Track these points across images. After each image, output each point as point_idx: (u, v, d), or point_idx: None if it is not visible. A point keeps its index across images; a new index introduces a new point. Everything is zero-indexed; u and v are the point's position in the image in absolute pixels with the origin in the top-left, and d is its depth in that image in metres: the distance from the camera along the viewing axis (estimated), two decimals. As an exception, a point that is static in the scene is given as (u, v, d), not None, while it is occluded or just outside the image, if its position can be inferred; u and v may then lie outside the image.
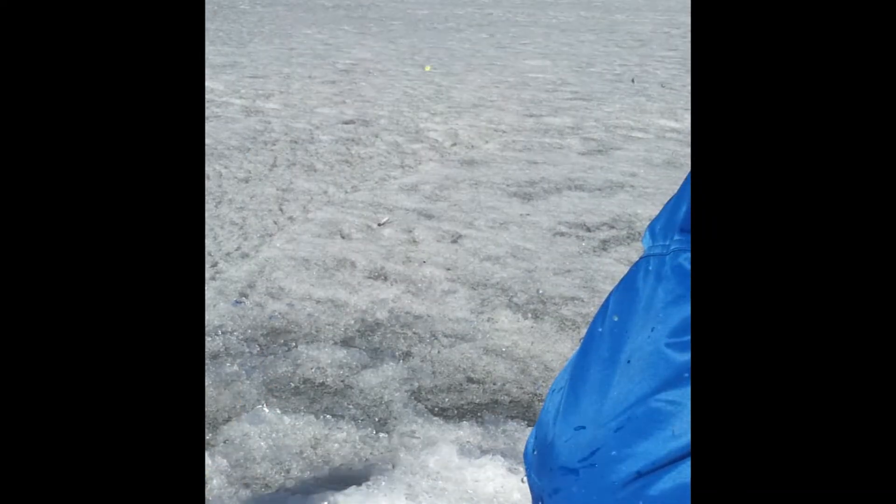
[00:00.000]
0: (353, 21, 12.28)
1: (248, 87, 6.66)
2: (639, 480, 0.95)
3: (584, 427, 1.05)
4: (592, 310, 2.62)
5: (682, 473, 0.92)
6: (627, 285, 1.11)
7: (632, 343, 1.04)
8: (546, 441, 1.13)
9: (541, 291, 2.79)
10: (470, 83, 7.18)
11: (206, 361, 2.23)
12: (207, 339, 2.36)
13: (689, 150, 4.84)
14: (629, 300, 1.09)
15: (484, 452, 1.84)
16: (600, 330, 1.12)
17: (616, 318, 1.10)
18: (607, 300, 1.16)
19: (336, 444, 1.90)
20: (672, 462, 0.93)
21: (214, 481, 1.73)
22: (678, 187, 1.06)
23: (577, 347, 1.21)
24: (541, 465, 1.15)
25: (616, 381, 1.03)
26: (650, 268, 1.07)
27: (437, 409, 2.07)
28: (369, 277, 2.89)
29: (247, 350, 2.32)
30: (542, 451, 1.14)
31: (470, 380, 2.22)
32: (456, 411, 2.07)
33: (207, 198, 3.77)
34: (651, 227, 1.13)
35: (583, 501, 1.02)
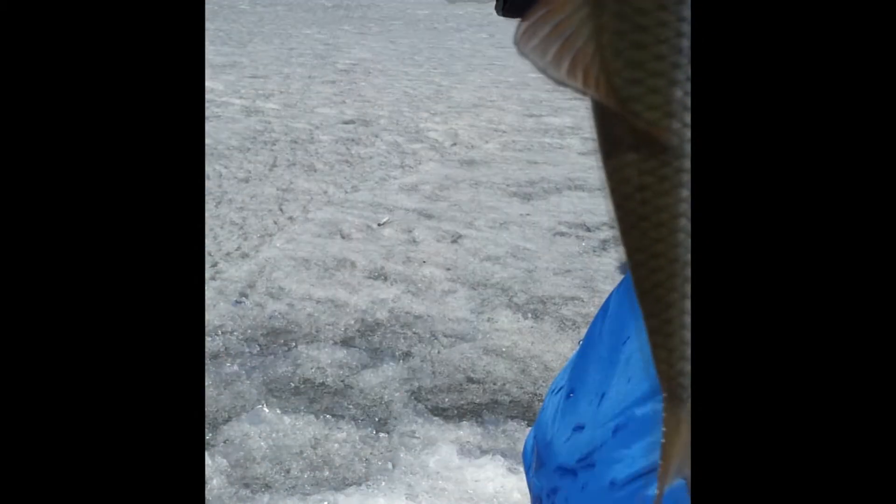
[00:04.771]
0: (353, 21, 12.27)
1: (248, 87, 6.65)
2: (637, 481, 0.95)
3: (582, 427, 1.05)
4: (592, 310, 2.62)
5: (682, 473, 0.92)
6: (628, 286, 1.11)
7: (631, 343, 1.04)
8: (545, 441, 1.13)
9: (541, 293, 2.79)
10: (470, 83, 7.18)
11: (206, 361, 2.23)
12: (207, 339, 2.36)
13: (689, 150, 4.82)
14: (630, 301, 1.09)
15: (484, 452, 1.84)
16: (600, 331, 1.12)
17: (615, 319, 1.10)
18: (607, 301, 1.16)
19: (336, 444, 1.90)
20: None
21: (214, 481, 1.73)
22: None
23: (577, 348, 1.21)
24: (539, 465, 1.15)
25: (615, 381, 1.03)
26: None
27: (437, 409, 2.07)
28: (369, 277, 2.89)
29: (247, 350, 2.32)
30: (541, 450, 1.14)
31: (470, 380, 2.22)
32: (456, 411, 2.07)
33: (207, 198, 3.76)
34: None
35: (581, 501, 1.02)
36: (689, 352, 0.52)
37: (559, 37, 0.42)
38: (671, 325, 0.51)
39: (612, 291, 1.17)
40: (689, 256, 0.48)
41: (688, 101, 0.43)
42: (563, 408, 1.12)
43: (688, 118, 0.44)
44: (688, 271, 0.49)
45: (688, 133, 0.44)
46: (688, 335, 0.51)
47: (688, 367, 0.53)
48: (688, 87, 0.43)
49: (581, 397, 1.09)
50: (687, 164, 0.45)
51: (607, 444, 1.00)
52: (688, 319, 0.51)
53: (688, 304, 0.50)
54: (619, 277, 2.93)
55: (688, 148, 0.45)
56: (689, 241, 0.47)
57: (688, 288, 0.49)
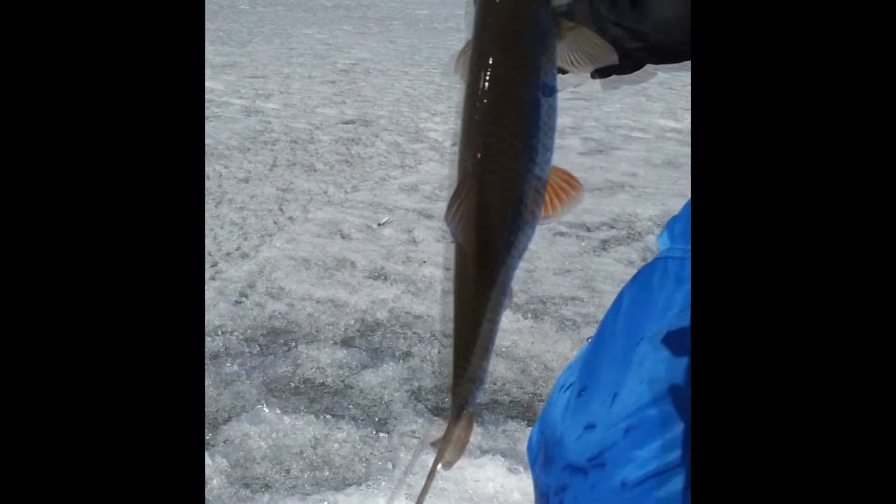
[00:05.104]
0: (353, 21, 12.26)
1: (248, 87, 6.65)
2: (648, 481, 0.95)
3: (593, 426, 1.05)
4: (592, 310, 2.62)
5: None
6: (642, 286, 1.10)
7: (645, 345, 1.03)
8: (553, 438, 1.12)
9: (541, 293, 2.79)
10: (470, 83, 7.16)
11: (206, 361, 2.23)
12: (207, 339, 2.36)
13: (689, 150, 4.83)
14: (644, 301, 1.07)
15: (484, 452, 1.84)
16: (612, 329, 1.11)
17: (629, 319, 1.09)
18: (620, 299, 1.14)
19: (336, 444, 1.90)
20: (682, 465, 0.93)
21: (214, 481, 1.72)
22: (678, 187, 1.05)
23: (581, 346, 1.20)
24: (547, 462, 1.14)
25: (628, 381, 1.03)
26: (668, 270, 1.05)
27: (437, 409, 2.07)
28: (369, 277, 2.89)
29: (247, 350, 2.32)
30: (550, 447, 1.13)
31: (470, 380, 2.22)
32: (456, 411, 2.06)
33: (207, 198, 3.76)
34: (670, 228, 1.12)
35: (590, 500, 1.01)
36: (474, 389, 0.83)
37: (460, 210, 0.71)
38: (470, 373, 0.81)
39: (625, 288, 1.15)
40: (491, 334, 0.79)
41: (513, 245, 0.73)
42: (574, 406, 1.11)
43: (514, 255, 0.74)
44: (488, 345, 0.79)
45: (513, 265, 0.75)
46: (476, 381, 0.82)
47: (468, 398, 0.84)
48: (516, 246, 0.74)
49: (593, 396, 1.08)
50: (503, 288, 0.75)
51: (619, 444, 1.00)
52: (480, 373, 0.82)
53: (482, 362, 0.81)
54: (619, 277, 2.93)
55: (507, 278, 0.74)
56: (494, 324, 0.78)
57: (484, 352, 0.80)
